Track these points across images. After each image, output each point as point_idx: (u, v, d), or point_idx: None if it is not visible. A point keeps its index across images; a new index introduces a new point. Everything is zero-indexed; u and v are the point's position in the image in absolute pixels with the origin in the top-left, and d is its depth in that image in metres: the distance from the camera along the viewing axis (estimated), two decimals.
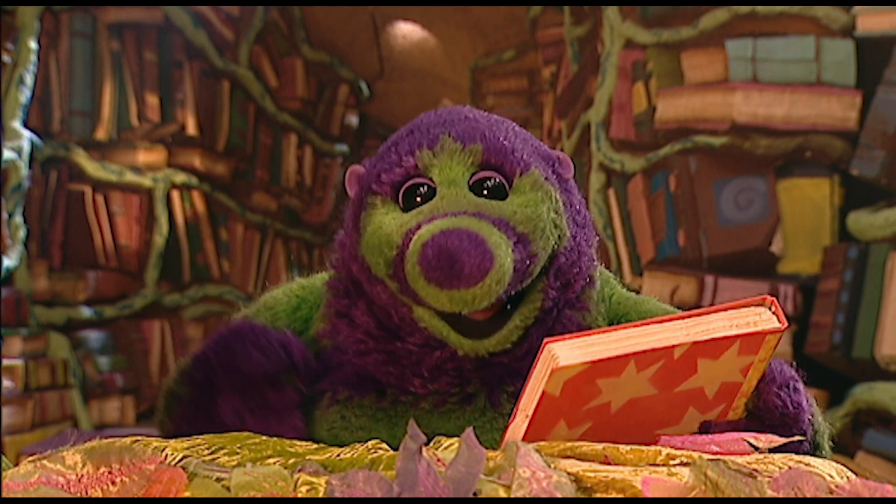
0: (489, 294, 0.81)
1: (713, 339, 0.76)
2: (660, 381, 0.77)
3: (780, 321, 0.78)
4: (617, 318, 0.96)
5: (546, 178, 0.91)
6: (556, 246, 0.90)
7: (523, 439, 0.74)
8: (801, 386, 0.83)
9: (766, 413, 0.81)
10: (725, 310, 0.78)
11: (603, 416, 0.77)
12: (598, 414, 0.77)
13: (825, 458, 0.79)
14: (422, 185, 0.90)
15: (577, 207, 0.95)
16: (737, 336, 0.77)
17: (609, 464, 0.66)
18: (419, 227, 0.85)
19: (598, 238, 0.99)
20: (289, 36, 4.96)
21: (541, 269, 0.88)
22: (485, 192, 0.89)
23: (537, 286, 0.89)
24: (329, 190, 5.23)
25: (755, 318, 0.78)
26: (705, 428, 0.80)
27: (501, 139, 0.92)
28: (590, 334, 0.76)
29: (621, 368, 0.75)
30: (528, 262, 0.86)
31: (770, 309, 0.78)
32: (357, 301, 0.94)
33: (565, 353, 0.73)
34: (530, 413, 0.74)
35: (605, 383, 0.75)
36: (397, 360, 0.91)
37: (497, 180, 0.90)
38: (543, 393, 0.74)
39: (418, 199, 0.90)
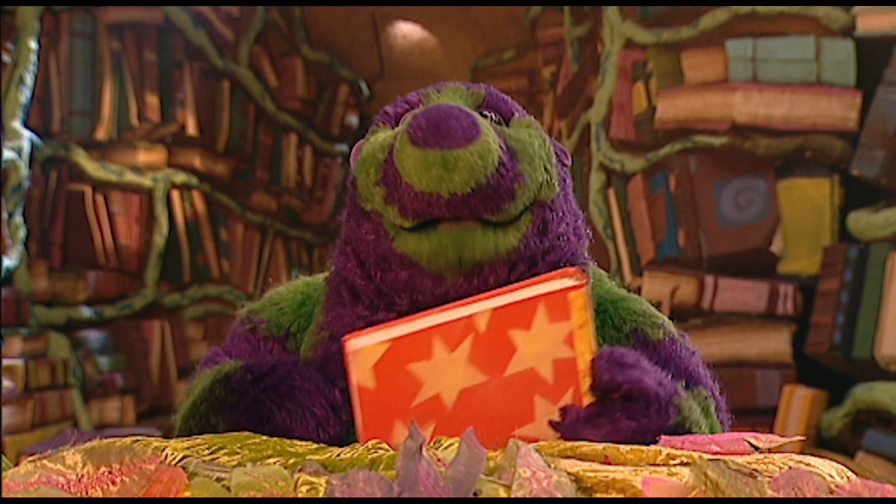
0: (471, 166, 0.81)
1: (512, 304, 0.75)
2: (481, 362, 0.75)
3: (578, 280, 0.76)
4: (601, 306, 0.95)
5: (545, 134, 0.94)
6: (542, 191, 0.90)
7: (361, 441, 0.74)
8: (640, 364, 0.79)
9: (607, 394, 0.77)
10: (529, 285, 0.77)
11: (441, 414, 0.75)
12: (435, 411, 0.75)
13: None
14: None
15: (570, 190, 0.97)
16: (535, 297, 0.75)
17: (609, 464, 0.66)
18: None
19: (590, 236, 0.99)
20: (289, 36, 4.97)
21: (524, 209, 0.88)
22: None
23: (519, 225, 0.88)
24: (329, 190, 5.24)
25: (555, 283, 0.76)
26: (565, 416, 0.76)
27: (504, 95, 0.96)
28: (393, 324, 0.76)
29: (428, 348, 0.74)
30: (512, 174, 0.85)
31: (572, 278, 0.76)
32: (349, 291, 0.94)
33: (363, 339, 0.74)
34: (357, 414, 0.74)
35: (420, 369, 0.74)
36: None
37: (495, 117, 0.93)
38: (358, 387, 0.73)
39: None
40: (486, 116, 0.91)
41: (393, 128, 0.92)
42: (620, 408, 0.76)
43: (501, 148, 0.84)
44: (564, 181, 0.95)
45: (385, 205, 0.87)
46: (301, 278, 1.04)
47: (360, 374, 0.73)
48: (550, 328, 0.76)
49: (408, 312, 0.86)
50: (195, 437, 0.75)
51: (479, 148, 0.81)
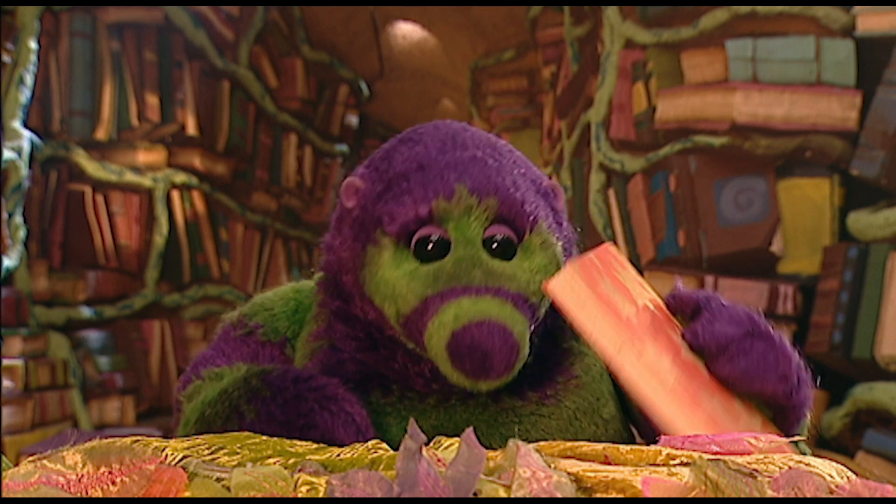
0: (504, 383, 0.85)
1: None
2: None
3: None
4: None
5: (549, 227, 0.93)
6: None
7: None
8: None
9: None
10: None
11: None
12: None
13: None
14: (434, 237, 0.90)
15: (567, 235, 0.97)
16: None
17: (609, 464, 0.66)
18: (440, 297, 0.86)
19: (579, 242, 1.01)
20: (289, 36, 4.97)
21: None
22: (494, 245, 0.91)
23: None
24: (329, 190, 5.24)
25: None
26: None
27: (513, 191, 0.92)
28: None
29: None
30: (534, 325, 0.89)
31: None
32: (352, 299, 0.94)
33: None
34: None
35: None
36: (399, 357, 0.92)
37: (507, 236, 0.91)
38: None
39: (430, 247, 0.90)
40: (496, 238, 0.91)
41: (404, 245, 0.90)
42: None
43: (529, 326, 0.87)
44: (564, 237, 0.96)
45: (405, 338, 0.90)
46: (289, 284, 1.04)
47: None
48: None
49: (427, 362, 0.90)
50: (195, 437, 0.75)
51: (519, 365, 0.84)
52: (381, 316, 0.91)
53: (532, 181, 0.96)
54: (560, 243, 0.94)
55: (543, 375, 0.93)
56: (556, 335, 0.96)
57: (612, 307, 0.86)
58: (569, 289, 0.86)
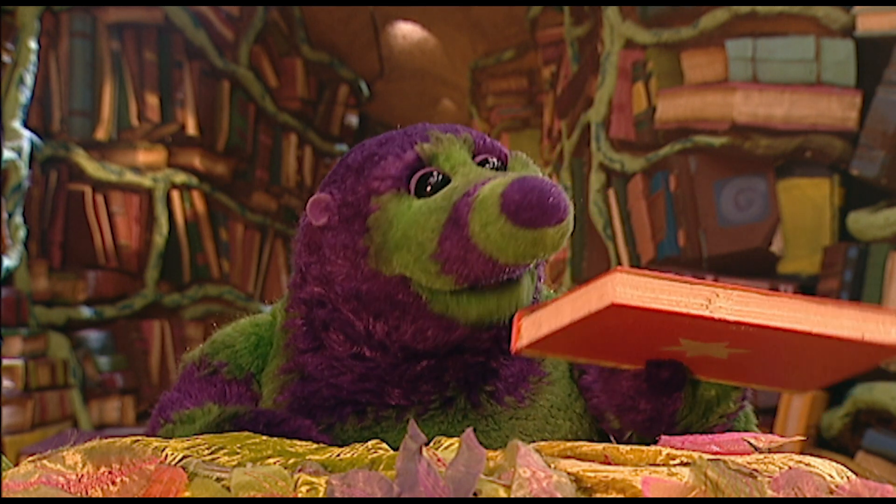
0: (557, 244, 0.81)
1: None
2: None
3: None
4: None
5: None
6: None
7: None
8: None
9: None
10: None
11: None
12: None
13: None
14: (431, 173, 0.88)
15: None
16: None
17: (609, 464, 0.66)
18: (471, 192, 0.82)
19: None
20: (289, 36, 4.97)
21: None
22: (488, 167, 0.91)
23: (532, 271, 0.89)
24: None
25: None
26: None
27: (481, 133, 0.94)
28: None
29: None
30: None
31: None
32: (327, 332, 0.93)
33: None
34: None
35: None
36: (376, 375, 0.90)
37: (496, 161, 0.91)
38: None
39: (431, 182, 0.87)
40: (488, 162, 0.91)
41: (405, 191, 0.87)
42: None
43: None
44: None
45: (434, 276, 0.84)
46: (245, 319, 1.03)
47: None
48: None
49: (401, 355, 0.88)
50: (194, 437, 0.75)
51: (566, 226, 0.81)
52: (391, 302, 0.87)
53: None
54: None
55: (517, 377, 0.92)
56: None
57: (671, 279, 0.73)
58: (631, 288, 0.71)
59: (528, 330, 0.74)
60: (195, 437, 0.75)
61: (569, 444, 0.70)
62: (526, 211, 0.78)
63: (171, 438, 0.86)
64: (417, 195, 0.87)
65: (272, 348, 0.98)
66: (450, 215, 0.83)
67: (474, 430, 0.86)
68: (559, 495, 0.59)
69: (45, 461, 0.64)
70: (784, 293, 0.72)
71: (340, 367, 0.92)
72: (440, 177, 0.88)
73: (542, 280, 0.96)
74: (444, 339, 0.88)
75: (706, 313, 0.68)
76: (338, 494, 0.58)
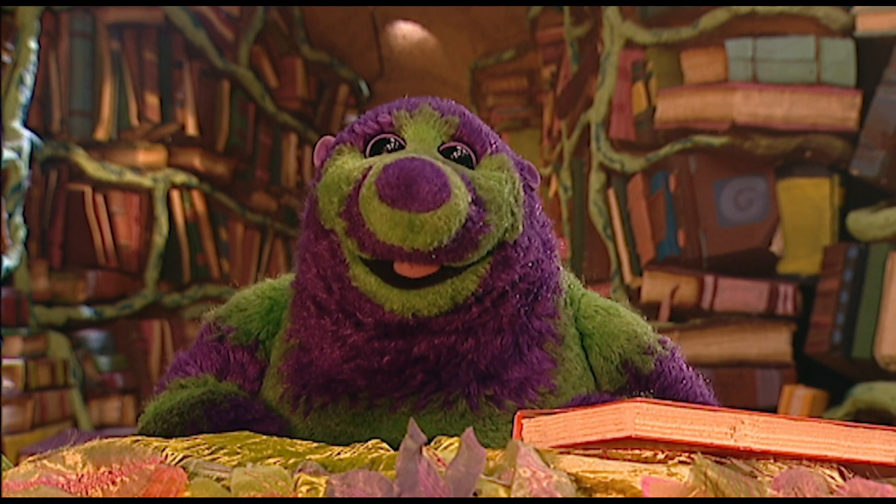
0: (436, 230, 0.80)
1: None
2: None
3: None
4: (583, 328, 0.97)
5: (514, 166, 0.92)
6: (507, 234, 0.88)
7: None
8: None
9: None
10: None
11: None
12: None
13: None
14: (391, 139, 0.90)
15: (537, 214, 0.94)
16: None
17: (608, 459, 0.66)
18: (381, 161, 0.84)
19: (562, 245, 0.98)
20: (289, 36, 4.96)
21: (486, 253, 0.87)
22: (451, 156, 0.90)
23: (478, 269, 0.87)
24: None
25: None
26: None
27: (478, 123, 0.93)
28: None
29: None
30: (479, 226, 0.84)
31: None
32: (304, 302, 0.93)
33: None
34: None
35: None
36: (357, 352, 0.89)
37: (465, 151, 0.90)
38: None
39: (385, 147, 0.90)
40: (455, 150, 0.90)
41: (361, 151, 0.90)
42: None
43: (471, 202, 0.83)
44: (531, 208, 0.93)
45: (345, 235, 0.85)
46: (267, 281, 1.03)
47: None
48: None
49: (375, 332, 0.87)
50: (194, 437, 0.75)
51: (448, 211, 0.79)
52: (333, 254, 0.87)
53: (507, 146, 0.95)
54: (520, 183, 0.91)
55: (524, 384, 0.91)
56: (543, 338, 0.94)
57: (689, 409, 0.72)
58: (651, 419, 0.68)
59: (531, 435, 0.72)
60: (195, 437, 0.75)
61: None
62: (392, 189, 0.79)
63: (165, 404, 0.88)
64: (372, 154, 0.90)
65: (286, 311, 0.99)
66: (357, 182, 0.84)
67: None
68: (559, 495, 0.59)
69: (45, 461, 0.64)
70: (811, 418, 0.71)
71: (329, 340, 0.91)
72: (396, 143, 0.90)
73: (558, 270, 0.96)
74: (381, 317, 0.87)
75: (731, 443, 0.68)
76: (338, 494, 0.58)
